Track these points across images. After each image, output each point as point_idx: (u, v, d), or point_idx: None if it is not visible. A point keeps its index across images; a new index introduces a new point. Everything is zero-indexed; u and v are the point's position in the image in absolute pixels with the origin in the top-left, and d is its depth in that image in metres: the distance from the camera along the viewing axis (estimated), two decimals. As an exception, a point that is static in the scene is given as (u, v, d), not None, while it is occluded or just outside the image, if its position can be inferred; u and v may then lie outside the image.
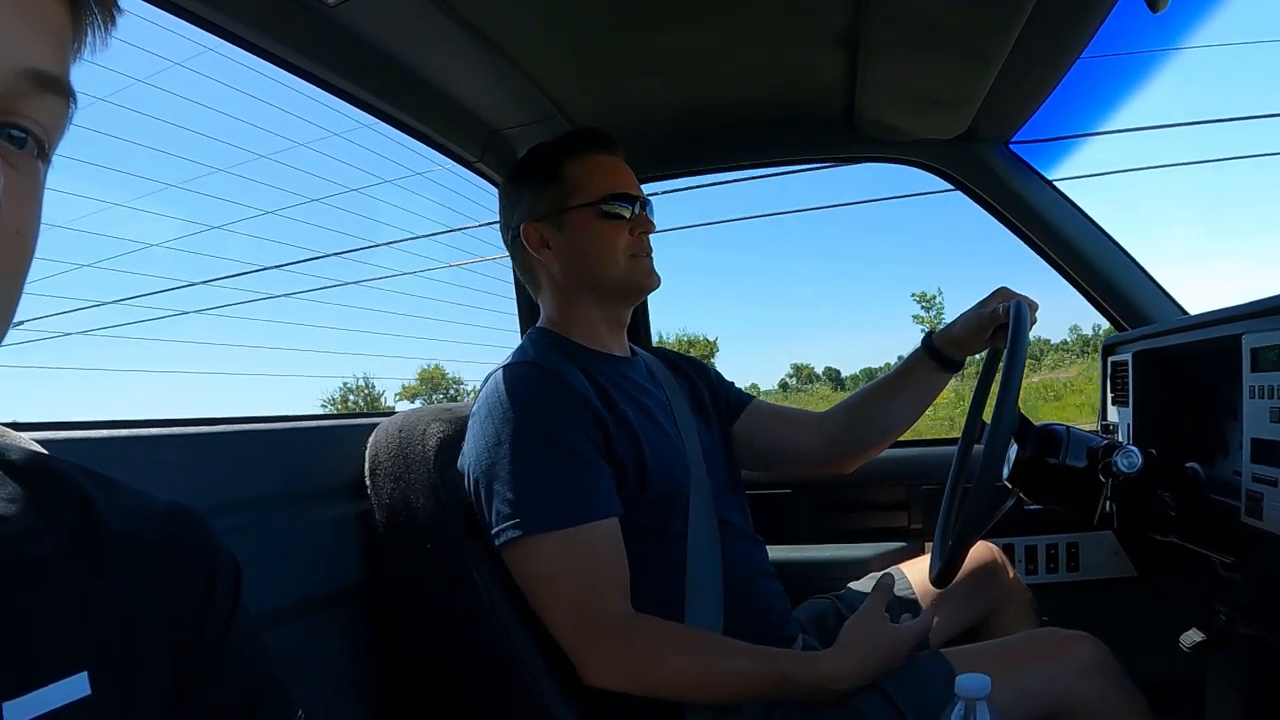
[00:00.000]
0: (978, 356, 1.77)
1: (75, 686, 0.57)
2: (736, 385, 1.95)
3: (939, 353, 1.75)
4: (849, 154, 2.34)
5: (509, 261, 1.79)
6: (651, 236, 1.67)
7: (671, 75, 1.92)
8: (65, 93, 0.55)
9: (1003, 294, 1.66)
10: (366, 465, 1.54)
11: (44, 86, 0.53)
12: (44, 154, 0.55)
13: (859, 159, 2.35)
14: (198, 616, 0.68)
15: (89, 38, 0.58)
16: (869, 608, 1.46)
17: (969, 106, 1.92)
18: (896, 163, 2.28)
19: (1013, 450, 1.56)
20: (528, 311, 2.31)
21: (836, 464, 1.91)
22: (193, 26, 1.35)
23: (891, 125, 2.12)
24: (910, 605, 1.75)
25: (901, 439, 1.94)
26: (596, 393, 1.50)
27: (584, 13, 1.62)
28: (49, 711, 0.56)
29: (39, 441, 0.79)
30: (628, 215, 1.62)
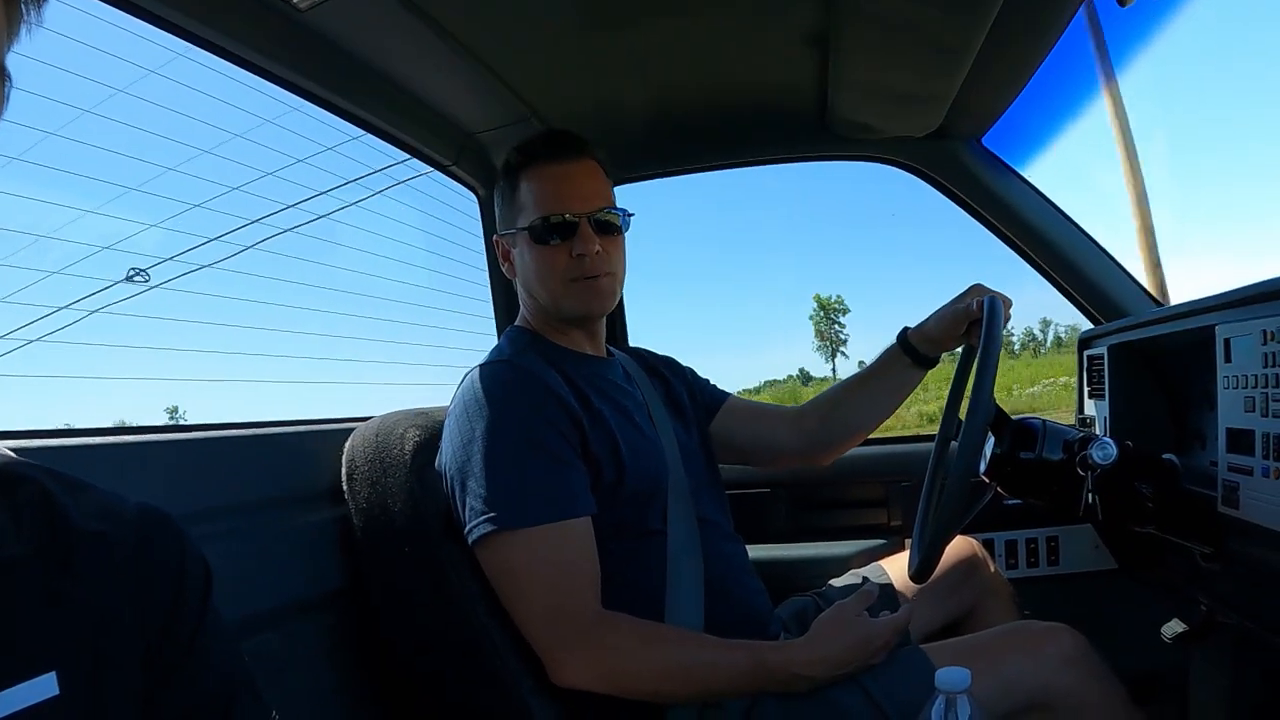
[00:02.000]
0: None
1: (44, 686, 0.58)
2: (713, 383, 1.95)
3: (913, 349, 1.75)
4: (822, 153, 2.35)
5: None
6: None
7: (643, 76, 1.93)
8: None
9: (976, 290, 1.66)
10: (344, 470, 1.53)
11: None
12: None
13: (832, 157, 2.36)
14: (167, 618, 0.68)
15: (23, 14, 0.59)
16: (845, 602, 1.46)
17: (940, 104, 1.93)
18: (869, 160, 2.29)
19: (990, 445, 1.56)
20: (504, 310, 2.31)
21: (813, 457, 1.92)
22: (160, 31, 1.35)
23: (864, 124, 2.12)
24: (890, 601, 1.75)
25: (879, 436, 1.94)
26: (572, 392, 1.50)
27: (555, 13, 1.62)
28: (17, 711, 0.56)
29: (14, 450, 0.79)
30: (559, 240, 1.57)
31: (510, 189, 1.62)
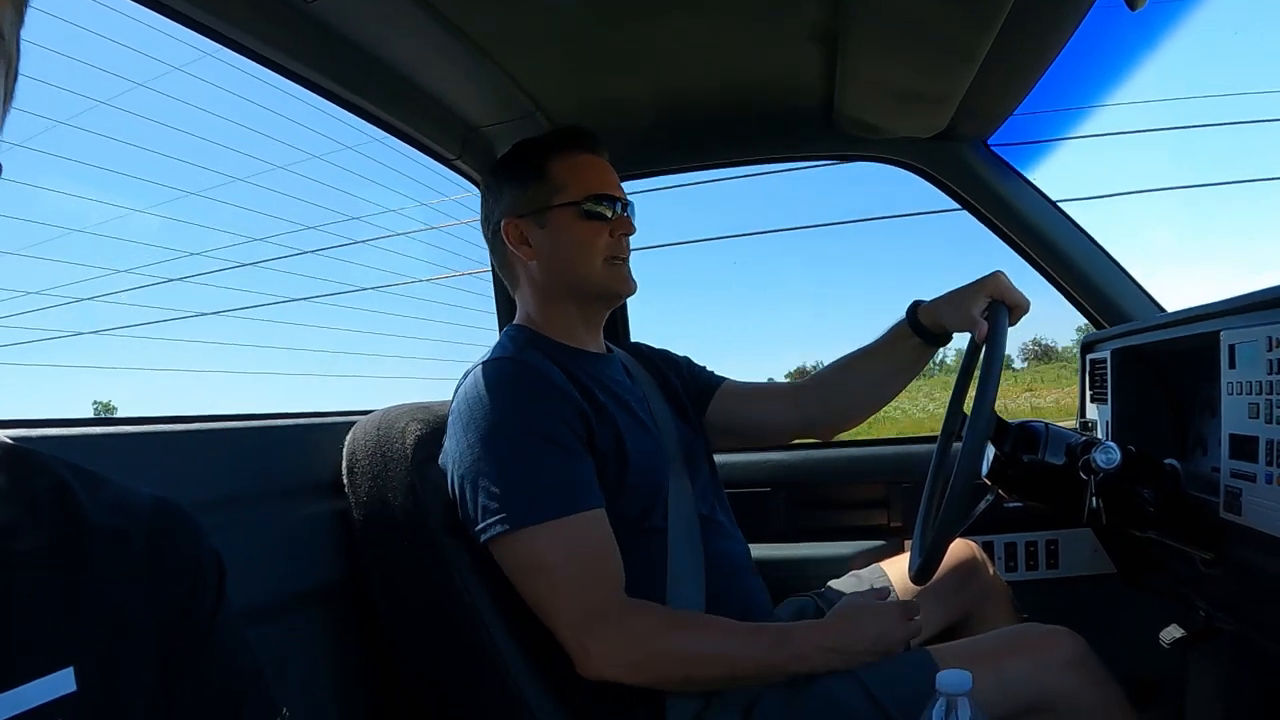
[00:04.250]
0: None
1: (61, 682, 0.58)
2: (708, 369, 1.95)
3: (924, 328, 1.69)
4: (828, 152, 2.35)
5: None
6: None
7: (649, 72, 1.93)
8: None
9: (994, 281, 1.57)
10: (344, 463, 1.53)
11: None
12: None
13: (838, 157, 2.36)
14: (183, 612, 0.68)
15: None
16: (863, 596, 1.49)
17: (948, 105, 1.93)
18: (875, 160, 2.28)
19: (991, 448, 1.56)
20: (505, 308, 2.31)
21: (814, 433, 1.92)
22: (169, 22, 1.35)
23: (871, 123, 2.12)
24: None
25: (880, 437, 1.93)
26: (576, 387, 1.50)
27: (562, 8, 1.62)
28: (35, 707, 0.56)
29: (14, 439, 0.79)
30: (609, 215, 1.61)
31: (535, 171, 1.63)
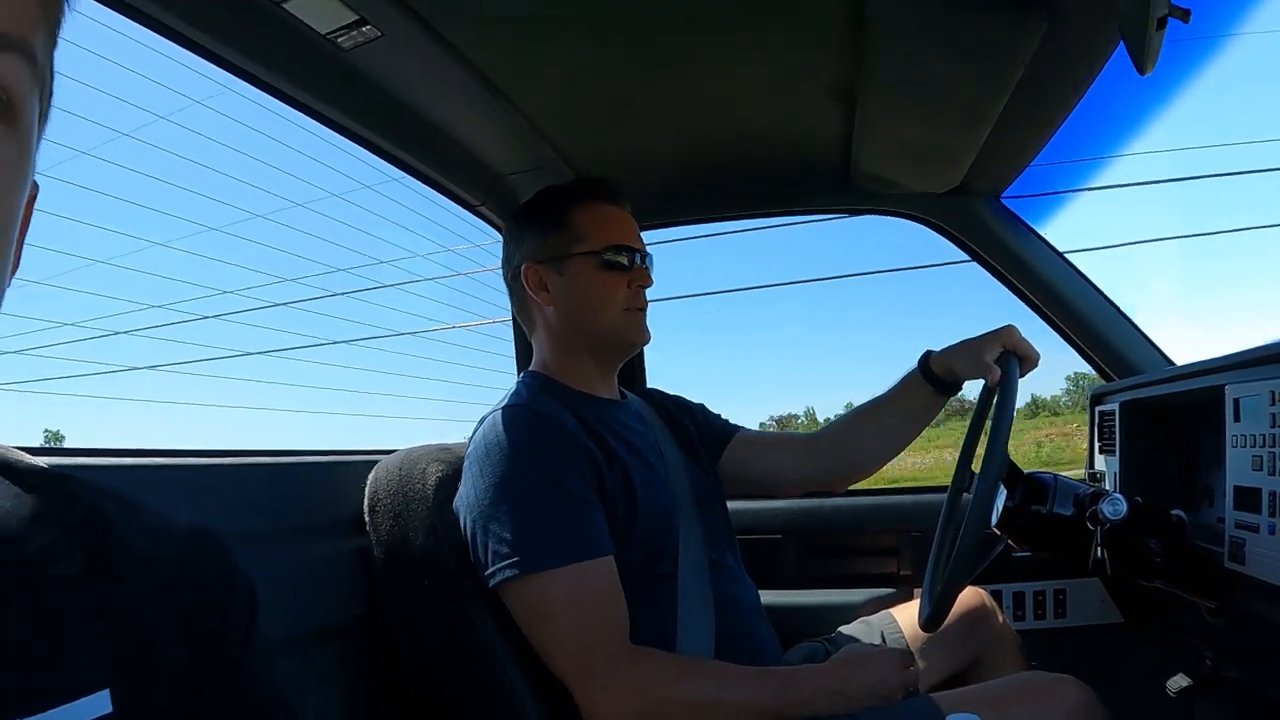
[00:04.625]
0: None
1: (97, 704, 0.57)
2: (723, 417, 1.96)
3: (934, 375, 1.71)
4: (843, 205, 2.38)
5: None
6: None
7: (671, 125, 1.96)
8: (16, 49, 0.53)
9: (1006, 333, 1.59)
10: (366, 501, 1.55)
11: None
12: (13, 115, 0.53)
13: (853, 211, 2.39)
14: (215, 639, 0.68)
15: None
16: (861, 645, 1.49)
17: (962, 161, 1.96)
18: (889, 214, 2.31)
19: (1001, 497, 1.58)
20: (524, 352, 2.33)
21: (828, 484, 1.93)
22: (209, 64, 1.39)
23: (886, 178, 2.15)
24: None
25: (891, 486, 1.95)
26: (589, 434, 1.52)
27: (588, 63, 1.66)
28: None
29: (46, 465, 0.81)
30: (628, 266, 1.64)
31: (557, 218, 1.65)
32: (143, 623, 0.63)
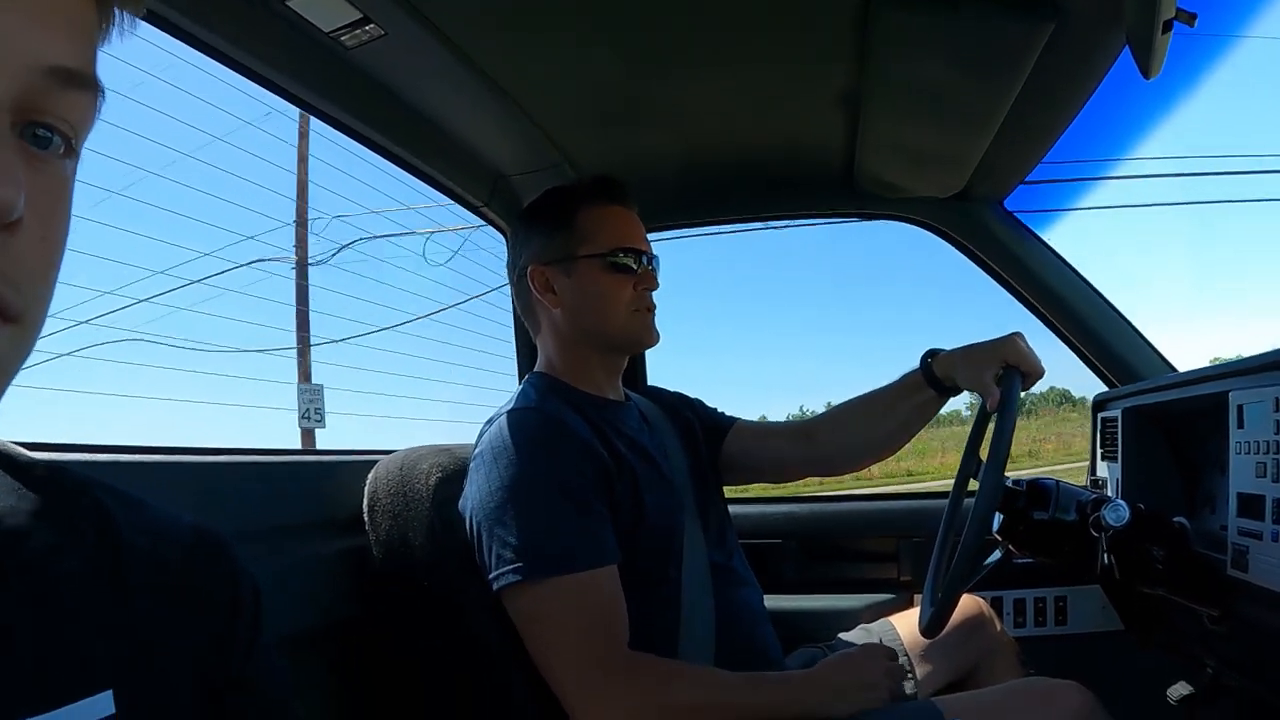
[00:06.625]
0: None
1: (100, 705, 0.56)
2: (720, 410, 1.96)
3: (935, 378, 1.69)
4: (847, 210, 2.38)
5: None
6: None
7: (676, 128, 1.96)
8: (91, 86, 0.53)
9: (1012, 346, 1.58)
10: (365, 501, 1.54)
11: (67, 82, 0.51)
12: (72, 151, 0.53)
13: (856, 216, 2.40)
14: (220, 639, 0.68)
15: (115, 20, 0.57)
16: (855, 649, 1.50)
17: (966, 166, 1.96)
18: (893, 219, 2.32)
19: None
20: (527, 353, 2.32)
21: (828, 468, 1.94)
22: (212, 60, 1.38)
23: (890, 183, 2.15)
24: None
25: (891, 492, 1.94)
26: (598, 437, 1.51)
27: (594, 64, 1.66)
28: None
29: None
30: (635, 268, 1.63)
31: (564, 219, 1.64)
32: (147, 623, 0.62)
